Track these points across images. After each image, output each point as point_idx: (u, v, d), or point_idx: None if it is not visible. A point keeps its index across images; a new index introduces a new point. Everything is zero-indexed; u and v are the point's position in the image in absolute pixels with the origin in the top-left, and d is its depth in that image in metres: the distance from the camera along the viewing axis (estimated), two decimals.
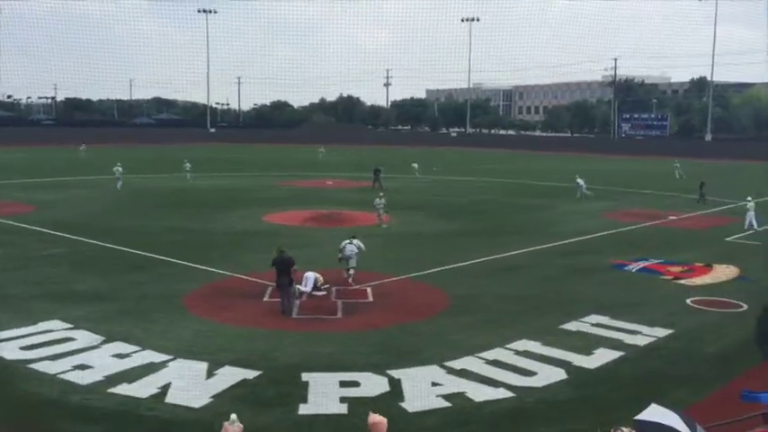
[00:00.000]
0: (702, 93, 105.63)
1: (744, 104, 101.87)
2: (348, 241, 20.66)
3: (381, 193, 30.93)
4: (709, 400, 12.32)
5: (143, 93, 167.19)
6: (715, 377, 13.66)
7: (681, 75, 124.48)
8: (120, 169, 44.71)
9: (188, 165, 49.52)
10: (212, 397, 12.34)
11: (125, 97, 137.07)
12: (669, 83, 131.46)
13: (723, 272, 22.61)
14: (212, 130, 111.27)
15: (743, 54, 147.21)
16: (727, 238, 26.85)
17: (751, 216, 30.05)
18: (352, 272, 20.36)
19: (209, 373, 13.36)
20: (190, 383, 12.82)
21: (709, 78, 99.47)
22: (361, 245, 20.84)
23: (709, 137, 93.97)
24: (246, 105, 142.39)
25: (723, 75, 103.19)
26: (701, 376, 13.73)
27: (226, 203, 37.88)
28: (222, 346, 14.88)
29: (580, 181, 43.34)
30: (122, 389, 12.57)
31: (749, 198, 30.78)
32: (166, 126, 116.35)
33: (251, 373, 13.36)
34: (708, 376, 13.73)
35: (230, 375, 13.23)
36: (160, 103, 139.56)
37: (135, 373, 13.27)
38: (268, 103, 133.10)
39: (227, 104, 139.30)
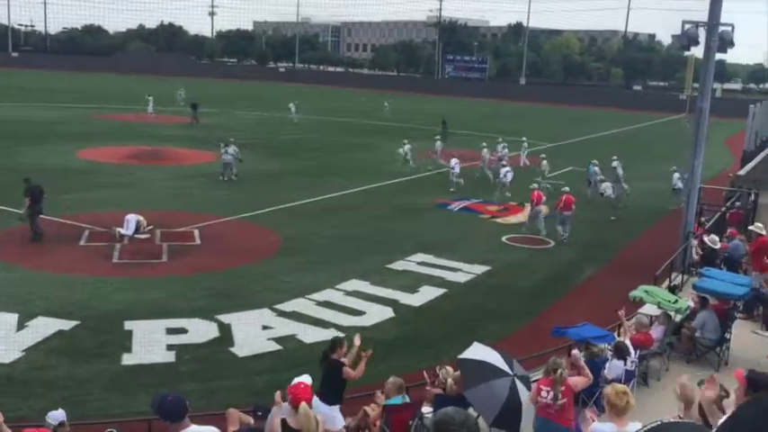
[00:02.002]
0: (518, 38, 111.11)
1: (554, 51, 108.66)
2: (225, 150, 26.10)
3: (232, 138, 28.65)
4: (521, 333, 13.41)
5: None
6: (525, 311, 14.86)
7: (499, 19, 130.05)
8: None
9: None
10: (24, 350, 11.57)
11: None
12: (489, 26, 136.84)
13: None
14: (15, 54, 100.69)
15: (556, 2, 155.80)
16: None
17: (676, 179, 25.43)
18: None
19: (20, 325, 12.48)
20: None
21: (525, 24, 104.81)
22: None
23: (523, 80, 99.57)
24: (54, 28, 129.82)
25: (537, 22, 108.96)
26: (513, 310, 14.86)
27: (34, 137, 34.72)
28: (34, 295, 13.89)
29: (291, 106, 48.15)
30: None
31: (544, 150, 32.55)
32: None
33: (67, 324, 12.62)
34: (519, 310, 14.90)
35: (44, 327, 12.42)
36: None
37: None
38: (79, 27, 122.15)
39: (32, 26, 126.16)
